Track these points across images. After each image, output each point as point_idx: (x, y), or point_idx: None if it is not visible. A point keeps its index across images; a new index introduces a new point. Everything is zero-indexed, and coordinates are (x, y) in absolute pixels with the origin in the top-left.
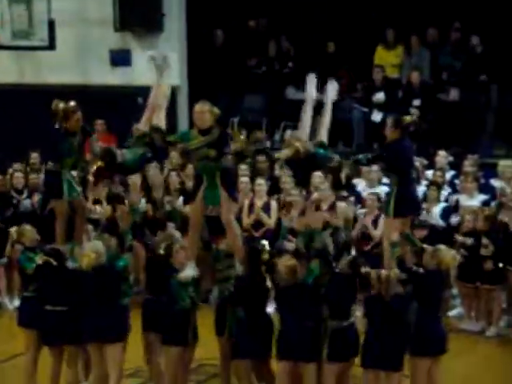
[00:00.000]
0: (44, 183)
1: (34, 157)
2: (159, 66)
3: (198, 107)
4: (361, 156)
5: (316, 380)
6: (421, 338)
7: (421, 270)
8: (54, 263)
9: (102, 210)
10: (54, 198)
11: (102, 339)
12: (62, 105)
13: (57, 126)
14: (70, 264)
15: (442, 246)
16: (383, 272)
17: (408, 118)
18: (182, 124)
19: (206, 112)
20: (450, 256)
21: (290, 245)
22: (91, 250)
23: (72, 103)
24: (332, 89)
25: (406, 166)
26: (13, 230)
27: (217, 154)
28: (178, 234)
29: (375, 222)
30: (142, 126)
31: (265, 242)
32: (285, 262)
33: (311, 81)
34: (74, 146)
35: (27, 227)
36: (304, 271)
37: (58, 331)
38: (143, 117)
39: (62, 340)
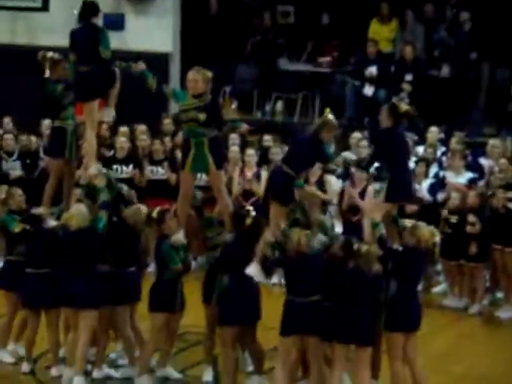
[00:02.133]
0: (49, 141)
1: (7, 121)
2: None
3: (190, 75)
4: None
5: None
6: (396, 314)
7: (399, 248)
8: (31, 230)
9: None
10: (56, 156)
11: (76, 305)
12: (50, 54)
13: (46, 75)
14: (48, 223)
15: (421, 223)
16: (363, 246)
17: (403, 107)
18: None
19: (199, 80)
20: (428, 233)
21: None
22: (75, 211)
23: (58, 54)
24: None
25: (399, 153)
26: (2, 189)
27: (206, 119)
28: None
29: (362, 194)
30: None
31: (249, 208)
32: (298, 234)
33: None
34: (58, 89)
35: (18, 191)
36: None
37: (37, 294)
38: None
39: (41, 303)
